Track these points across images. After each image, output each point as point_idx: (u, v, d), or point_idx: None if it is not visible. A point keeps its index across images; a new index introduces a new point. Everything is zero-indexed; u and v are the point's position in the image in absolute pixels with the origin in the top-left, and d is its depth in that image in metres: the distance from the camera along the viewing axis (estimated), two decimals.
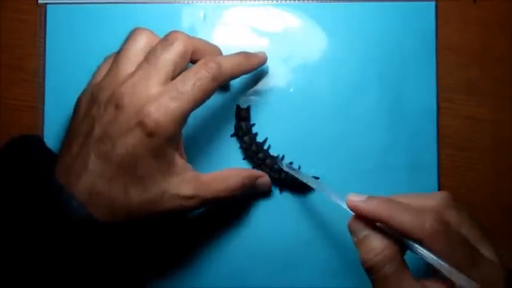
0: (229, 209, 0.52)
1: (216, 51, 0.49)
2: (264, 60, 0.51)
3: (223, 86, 0.52)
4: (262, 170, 0.51)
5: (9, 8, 0.54)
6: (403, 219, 0.37)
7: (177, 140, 0.44)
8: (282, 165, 0.50)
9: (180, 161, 0.44)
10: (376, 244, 0.38)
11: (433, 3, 0.53)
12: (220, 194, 0.46)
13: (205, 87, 0.43)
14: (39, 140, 0.46)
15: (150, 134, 0.41)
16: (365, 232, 0.39)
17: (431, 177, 0.52)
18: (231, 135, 0.52)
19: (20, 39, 0.54)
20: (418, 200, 0.39)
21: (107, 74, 0.45)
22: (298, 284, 0.51)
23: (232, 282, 0.51)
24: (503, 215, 0.52)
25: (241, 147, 0.52)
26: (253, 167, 0.52)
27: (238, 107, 0.52)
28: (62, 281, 0.41)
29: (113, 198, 0.41)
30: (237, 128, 0.52)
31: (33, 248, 0.40)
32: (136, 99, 0.41)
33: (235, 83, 0.53)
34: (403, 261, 0.38)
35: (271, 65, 0.53)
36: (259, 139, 0.52)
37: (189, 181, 0.44)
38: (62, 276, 0.41)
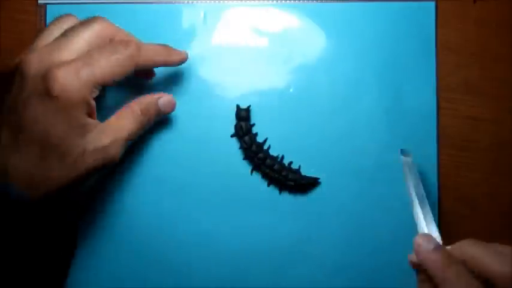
0: (229, 208, 0.52)
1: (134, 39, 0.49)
2: (184, 59, 0.49)
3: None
4: (262, 170, 0.51)
5: (10, 8, 0.54)
6: (490, 262, 0.35)
7: (89, 108, 0.43)
8: None
9: (92, 121, 0.43)
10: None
11: (433, 3, 0.53)
12: (132, 128, 0.46)
13: (121, 63, 0.43)
14: None
15: (56, 98, 0.40)
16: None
17: (431, 177, 0.52)
18: (231, 136, 0.52)
19: (20, 39, 0.54)
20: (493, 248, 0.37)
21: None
22: (298, 284, 0.51)
23: (232, 282, 0.51)
24: (503, 215, 0.52)
25: (241, 147, 0.52)
26: (254, 167, 0.52)
27: (238, 107, 0.52)
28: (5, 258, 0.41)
29: (31, 169, 0.41)
30: (237, 128, 0.52)
31: None
32: (44, 65, 0.41)
33: (235, 83, 0.53)
34: None
35: (271, 65, 0.53)
36: (259, 139, 0.52)
37: (101, 131, 0.43)
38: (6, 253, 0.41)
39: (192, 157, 0.51)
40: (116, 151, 0.44)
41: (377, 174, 0.51)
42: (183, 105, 0.52)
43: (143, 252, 0.52)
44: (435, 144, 0.52)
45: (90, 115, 0.43)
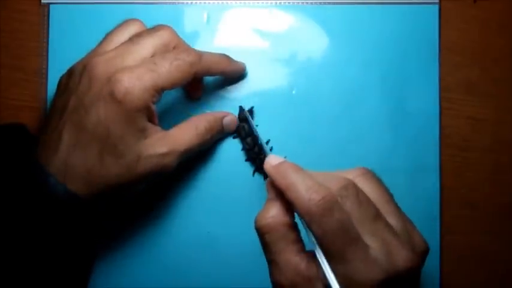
0: (231, 210, 0.52)
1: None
2: (242, 70, 0.52)
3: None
4: (264, 171, 0.51)
5: (12, 8, 0.54)
6: (296, 192, 0.36)
7: (149, 112, 0.44)
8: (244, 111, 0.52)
9: (152, 127, 0.44)
10: (269, 210, 0.38)
11: (436, 6, 0.53)
12: (193, 143, 0.47)
13: (182, 69, 0.44)
14: (22, 128, 0.48)
15: (119, 101, 0.41)
16: (271, 195, 0.39)
17: (433, 178, 0.52)
18: (234, 137, 0.52)
19: (22, 39, 0.53)
20: (331, 176, 0.38)
21: (88, 52, 0.46)
22: None
23: (234, 283, 0.51)
24: (503, 215, 0.53)
25: (243, 148, 0.52)
26: (256, 169, 0.52)
27: (241, 109, 0.52)
28: (45, 258, 0.42)
29: (88, 167, 0.42)
30: (240, 129, 0.52)
31: (17, 229, 0.41)
32: (111, 69, 0.42)
33: (238, 84, 0.53)
34: (292, 234, 0.38)
35: (274, 66, 0.53)
36: None
37: (161, 139, 0.44)
38: (46, 253, 0.42)
39: (194, 158, 0.51)
40: (171, 161, 0.45)
41: (380, 175, 0.51)
42: (186, 107, 0.52)
43: (143, 253, 0.52)
44: (437, 145, 0.52)
45: (150, 120, 0.44)
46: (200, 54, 0.46)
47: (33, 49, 0.53)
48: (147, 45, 0.44)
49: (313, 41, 0.53)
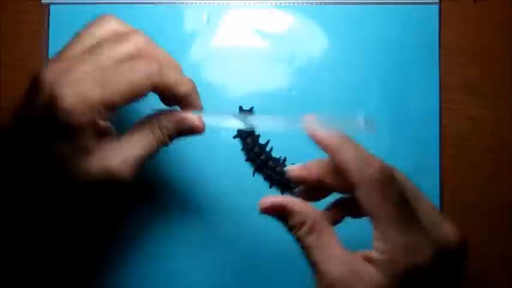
0: (231, 210, 0.52)
1: (177, 67, 0.43)
2: (199, 108, 0.43)
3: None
4: (264, 171, 0.51)
5: (12, 8, 0.54)
6: (349, 157, 0.36)
7: (98, 128, 0.39)
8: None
9: (99, 141, 0.39)
10: (298, 212, 0.39)
11: (436, 6, 0.53)
12: (149, 148, 0.41)
13: (137, 83, 0.38)
14: None
15: (61, 124, 0.37)
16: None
17: (433, 178, 0.52)
18: (234, 137, 0.52)
19: (22, 39, 0.54)
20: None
21: (56, 53, 0.42)
22: (299, 285, 0.51)
23: (233, 283, 0.51)
24: (503, 215, 0.53)
25: (243, 148, 0.52)
26: (256, 169, 0.52)
27: (241, 109, 0.52)
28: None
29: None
30: (240, 129, 0.52)
31: None
32: (58, 83, 0.37)
33: (238, 84, 0.53)
34: (331, 228, 0.38)
35: (274, 67, 0.53)
36: (262, 141, 0.52)
37: (111, 150, 0.40)
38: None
39: (194, 158, 0.51)
40: (125, 171, 0.40)
41: None
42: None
43: (143, 254, 0.52)
44: (437, 146, 0.52)
45: (101, 134, 0.39)
46: (162, 67, 0.40)
47: (33, 49, 0.53)
48: (107, 55, 0.39)
49: (313, 41, 0.53)
